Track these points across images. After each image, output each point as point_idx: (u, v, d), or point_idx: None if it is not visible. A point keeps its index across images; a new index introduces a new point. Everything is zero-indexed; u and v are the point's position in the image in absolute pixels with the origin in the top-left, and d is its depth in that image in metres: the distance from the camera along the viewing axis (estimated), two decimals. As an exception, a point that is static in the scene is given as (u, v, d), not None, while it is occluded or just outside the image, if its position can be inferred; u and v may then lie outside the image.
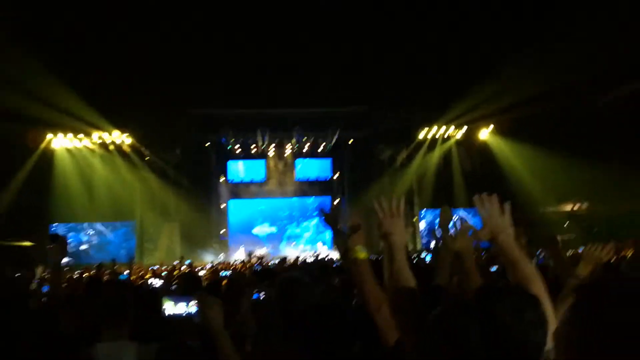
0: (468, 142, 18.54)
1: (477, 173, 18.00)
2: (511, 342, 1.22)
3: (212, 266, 10.77)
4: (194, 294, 1.89)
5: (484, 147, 18.19)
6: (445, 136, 18.40)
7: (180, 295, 3.61)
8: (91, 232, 16.98)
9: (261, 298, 3.96)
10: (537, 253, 6.54)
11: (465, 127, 18.01)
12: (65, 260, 3.00)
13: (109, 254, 15.92)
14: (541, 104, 13.88)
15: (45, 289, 5.89)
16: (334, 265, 7.20)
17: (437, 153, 18.47)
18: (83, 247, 16.69)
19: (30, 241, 14.27)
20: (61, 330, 2.81)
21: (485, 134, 18.16)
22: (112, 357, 2.25)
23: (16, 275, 7.92)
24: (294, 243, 19.75)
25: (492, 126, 17.86)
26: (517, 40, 13.29)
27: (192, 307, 3.25)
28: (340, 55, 15.67)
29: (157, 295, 3.07)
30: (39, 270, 5.70)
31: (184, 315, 3.25)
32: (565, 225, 15.53)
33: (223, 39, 15.08)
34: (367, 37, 15.24)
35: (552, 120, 14.74)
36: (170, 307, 3.29)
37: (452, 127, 18.06)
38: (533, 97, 13.67)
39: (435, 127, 18.01)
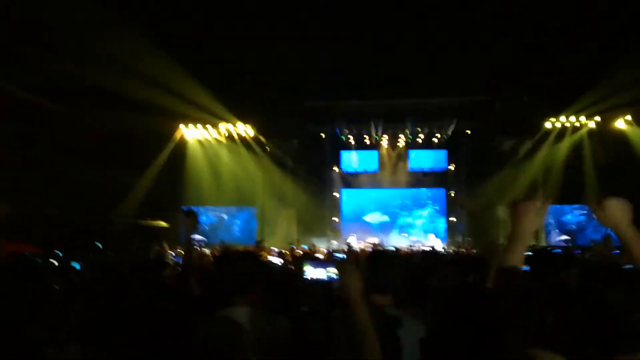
0: (602, 133, 16.87)
1: (611, 166, 16.33)
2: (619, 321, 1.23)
3: (328, 250, 11.09)
4: (333, 262, 1.95)
5: (620, 138, 16.43)
6: (576, 126, 16.90)
7: (319, 262, 3.78)
8: (217, 215, 18.32)
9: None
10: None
11: (598, 117, 16.41)
12: (197, 237, 3.29)
13: (232, 236, 17.20)
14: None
15: (178, 259, 6.49)
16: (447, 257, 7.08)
17: (566, 144, 17.00)
18: (210, 227, 18.02)
19: (164, 222, 15.80)
20: (194, 296, 3.06)
21: (621, 123, 16.40)
22: (241, 322, 2.35)
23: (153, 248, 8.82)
24: (405, 233, 19.54)
25: (629, 116, 16.07)
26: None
27: (330, 273, 3.37)
28: (458, 42, 15.07)
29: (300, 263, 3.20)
30: (166, 247, 6.28)
31: (323, 280, 3.39)
32: None
33: (337, 30, 15.26)
34: (486, 22, 14.48)
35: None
36: (310, 271, 3.44)
37: (583, 116, 16.55)
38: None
39: (563, 117, 16.63)
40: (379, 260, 2.45)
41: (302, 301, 2.89)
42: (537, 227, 1.74)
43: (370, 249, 10.84)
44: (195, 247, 3.47)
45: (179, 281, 3.42)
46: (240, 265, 2.51)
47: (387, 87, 16.90)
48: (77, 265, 5.81)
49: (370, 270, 2.43)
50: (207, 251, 8.75)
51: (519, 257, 1.62)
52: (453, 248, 16.54)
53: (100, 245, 10.79)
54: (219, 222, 18.25)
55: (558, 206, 17.24)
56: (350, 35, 15.42)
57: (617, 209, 1.85)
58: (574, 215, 17.19)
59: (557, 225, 17.09)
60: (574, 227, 16.96)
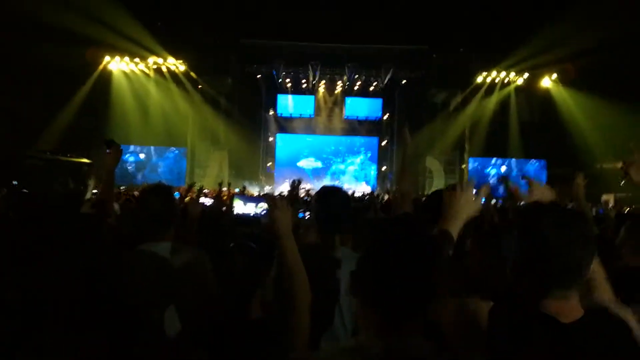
0: (528, 90, 17.63)
1: (535, 122, 17.23)
2: (554, 256, 1.27)
3: (261, 194, 11.01)
4: (264, 198, 1.88)
5: (545, 96, 17.28)
6: (505, 82, 17.52)
7: (249, 197, 3.72)
8: (143, 154, 17.53)
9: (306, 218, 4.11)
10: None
11: (526, 74, 17.08)
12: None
13: (159, 177, 16.58)
14: (609, 53, 12.86)
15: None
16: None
17: (494, 99, 17.65)
18: (136, 167, 17.29)
19: (86, 158, 14.97)
20: (106, 232, 2.90)
21: (547, 82, 17.19)
22: (168, 254, 2.31)
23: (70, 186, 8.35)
24: (337, 180, 19.85)
25: (555, 75, 16.86)
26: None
27: (260, 209, 3.33)
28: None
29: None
30: (91, 182, 5.93)
31: (251, 215, 3.34)
32: (621, 183, 14.80)
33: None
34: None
35: (619, 71, 13.72)
36: (240, 207, 3.38)
37: (513, 73, 17.15)
38: (601, 46, 12.66)
39: (494, 72, 17.16)
40: (330, 196, 2.48)
41: (230, 238, 2.83)
42: (472, 212, 1.82)
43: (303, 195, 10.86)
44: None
45: (96, 215, 3.21)
46: (156, 200, 2.43)
47: (327, 31, 16.54)
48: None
49: (321, 206, 2.44)
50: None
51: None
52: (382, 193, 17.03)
53: (15, 182, 10.10)
54: (145, 162, 17.48)
55: (480, 159, 18.10)
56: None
57: None
58: (495, 166, 18.10)
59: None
60: (494, 179, 17.87)
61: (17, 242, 2.49)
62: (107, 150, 2.96)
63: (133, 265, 2.28)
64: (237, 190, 12.22)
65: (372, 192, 13.51)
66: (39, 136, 14.33)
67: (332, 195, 2.50)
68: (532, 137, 16.91)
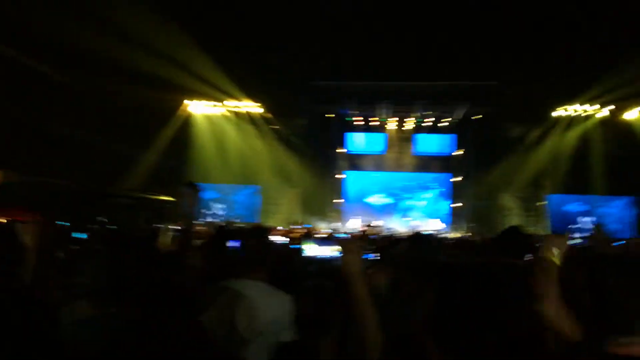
0: (613, 123, 16.67)
1: (620, 157, 16.19)
2: (617, 306, 1.35)
3: (330, 232, 11.13)
4: (335, 240, 1.97)
5: (631, 129, 16.25)
6: (585, 115, 16.72)
7: (322, 240, 3.81)
8: (221, 192, 18.31)
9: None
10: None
11: (610, 106, 16.21)
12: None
13: (234, 213, 17.24)
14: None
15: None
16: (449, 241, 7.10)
17: (575, 133, 16.86)
18: (213, 204, 18.03)
19: (169, 197, 15.83)
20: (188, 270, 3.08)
21: (634, 114, 16.20)
22: (248, 290, 2.36)
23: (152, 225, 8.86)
24: (408, 217, 19.54)
25: (640, 107, 15.88)
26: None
27: (333, 252, 3.40)
28: (471, 27, 14.87)
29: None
30: (167, 225, 6.26)
31: (325, 257, 3.42)
32: None
33: (350, 10, 15.07)
34: (500, 6, 14.25)
35: None
36: (314, 250, 3.47)
37: (595, 105, 16.34)
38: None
39: (574, 105, 16.44)
40: (421, 242, 2.52)
41: (303, 278, 2.92)
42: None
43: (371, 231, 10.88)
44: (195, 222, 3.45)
45: (177, 253, 3.43)
46: (251, 239, 2.57)
47: (397, 69, 16.73)
48: (84, 235, 5.87)
49: (414, 251, 2.47)
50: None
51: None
52: (456, 234, 16.56)
53: (106, 220, 10.88)
54: (222, 199, 18.21)
55: (560, 196, 17.19)
56: (362, 16, 15.25)
57: None
58: (574, 205, 17.10)
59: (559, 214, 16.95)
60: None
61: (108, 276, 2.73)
62: (187, 191, 3.16)
63: (217, 299, 2.40)
64: (308, 226, 12.46)
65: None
66: (126, 176, 15.40)
67: (425, 241, 2.51)
68: (618, 173, 15.86)
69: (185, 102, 17.37)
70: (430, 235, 2.44)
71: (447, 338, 1.17)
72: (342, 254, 1.85)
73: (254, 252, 2.50)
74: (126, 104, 13.74)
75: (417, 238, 2.51)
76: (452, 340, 1.17)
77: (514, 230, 3.20)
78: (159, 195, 15.69)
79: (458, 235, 15.68)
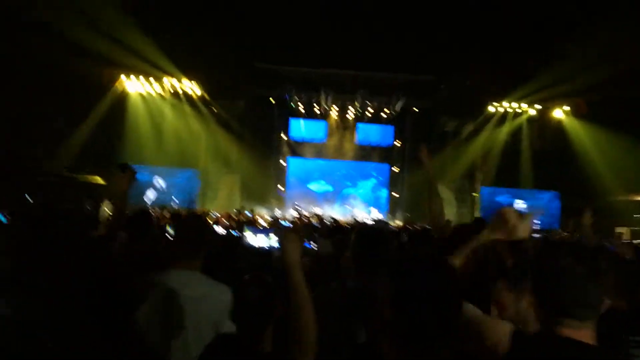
0: (540, 121, 17.66)
1: (547, 153, 17.18)
2: (568, 289, 1.37)
3: (272, 218, 11.04)
4: (274, 229, 1.93)
5: (557, 127, 17.29)
6: (517, 112, 17.58)
7: (260, 229, 3.75)
8: (157, 175, 17.60)
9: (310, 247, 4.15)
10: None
11: (538, 105, 17.14)
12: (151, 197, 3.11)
13: (170, 197, 16.68)
14: (620, 87, 12.89)
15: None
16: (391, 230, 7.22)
17: (506, 129, 17.72)
18: (148, 187, 17.35)
19: (101, 178, 15.11)
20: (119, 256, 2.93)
21: (559, 113, 17.23)
22: (182, 284, 2.30)
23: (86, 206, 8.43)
24: (348, 205, 19.81)
25: (567, 107, 16.90)
26: (600, 15, 12.25)
27: (271, 241, 3.36)
28: (414, 21, 15.14)
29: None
30: (104, 205, 5.98)
31: (262, 247, 3.37)
32: (635, 216, 14.71)
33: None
34: (442, 5, 14.60)
35: (631, 105, 13.73)
36: (250, 238, 3.42)
37: (525, 103, 17.22)
38: (612, 80, 12.71)
39: (505, 103, 17.24)
40: (369, 237, 2.45)
41: (243, 268, 2.86)
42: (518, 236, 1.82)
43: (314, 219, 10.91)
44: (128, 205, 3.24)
45: (106, 238, 3.23)
46: (192, 228, 2.48)
47: (340, 58, 16.78)
48: (2, 218, 5.45)
49: (359, 247, 2.41)
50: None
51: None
52: (398, 222, 16.97)
53: (29, 198, 10.23)
54: (157, 182, 17.52)
55: (491, 188, 18.01)
56: (309, 1, 15.12)
57: None
58: (505, 197, 17.96)
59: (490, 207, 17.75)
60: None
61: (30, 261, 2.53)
62: (121, 173, 2.97)
63: (143, 294, 2.30)
64: (249, 214, 12.28)
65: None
66: (55, 152, 14.50)
67: (374, 236, 2.44)
68: (544, 168, 16.84)
69: (121, 78, 16.47)
70: (380, 228, 2.41)
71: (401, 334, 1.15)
72: (281, 244, 1.84)
73: (187, 240, 2.39)
74: (58, 77, 12.89)
75: (366, 232, 2.46)
76: (404, 338, 1.15)
77: (480, 221, 3.32)
78: (91, 175, 14.94)
79: (399, 224, 16.07)
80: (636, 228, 13.37)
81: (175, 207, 15.21)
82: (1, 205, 5.68)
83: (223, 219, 10.02)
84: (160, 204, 15.00)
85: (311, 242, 4.44)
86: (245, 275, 1.93)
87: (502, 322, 1.60)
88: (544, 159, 16.98)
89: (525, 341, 1.44)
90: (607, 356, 1.43)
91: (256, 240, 3.47)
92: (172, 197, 16.76)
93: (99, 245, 3.00)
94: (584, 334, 1.36)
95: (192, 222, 2.50)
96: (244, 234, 3.38)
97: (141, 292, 2.33)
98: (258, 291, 1.87)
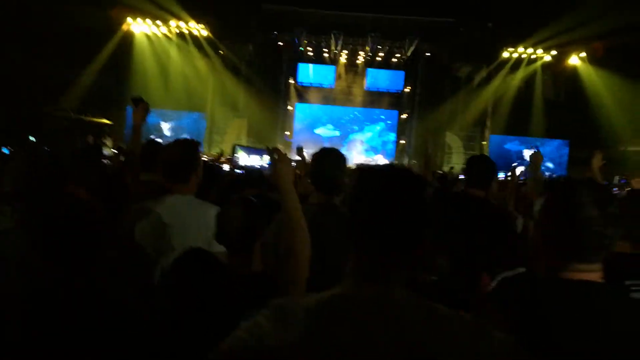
0: (555, 68, 17.14)
1: (560, 101, 16.80)
2: (587, 230, 1.29)
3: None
4: (267, 150, 1.88)
5: (572, 75, 16.80)
6: (531, 58, 17.05)
7: (253, 148, 3.76)
8: (163, 117, 17.53)
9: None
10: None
11: (554, 51, 16.57)
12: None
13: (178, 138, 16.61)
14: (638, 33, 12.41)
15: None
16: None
17: (520, 75, 17.23)
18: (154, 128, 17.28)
19: (107, 119, 15.14)
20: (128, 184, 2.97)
21: (575, 60, 16.68)
22: (177, 209, 2.37)
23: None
24: (355, 149, 19.75)
25: (583, 53, 16.33)
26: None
27: (263, 161, 3.36)
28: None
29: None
30: (108, 141, 6.01)
31: (255, 167, 3.38)
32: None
33: None
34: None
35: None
36: (244, 158, 3.43)
37: (540, 49, 16.66)
38: (630, 25, 12.22)
39: (521, 48, 16.69)
40: (325, 158, 2.51)
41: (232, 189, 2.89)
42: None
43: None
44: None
45: (120, 170, 3.28)
46: (180, 152, 2.51)
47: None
48: (5, 150, 5.51)
49: (315, 168, 2.49)
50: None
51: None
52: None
53: (34, 139, 10.30)
54: (164, 124, 17.44)
55: (501, 136, 17.76)
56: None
57: None
58: (513, 145, 17.73)
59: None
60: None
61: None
62: (135, 107, 2.99)
63: (134, 220, 2.35)
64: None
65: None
66: (60, 95, 14.48)
67: (327, 156, 2.51)
68: (556, 117, 16.51)
69: (128, 20, 16.11)
70: (333, 150, 2.45)
71: (361, 236, 1.11)
72: (272, 164, 1.79)
73: (175, 164, 2.43)
74: (63, 20, 12.67)
75: (320, 155, 2.55)
76: (364, 239, 1.11)
77: (482, 158, 3.28)
78: (97, 117, 14.96)
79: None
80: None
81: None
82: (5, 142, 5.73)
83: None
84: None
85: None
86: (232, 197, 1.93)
87: None
88: (556, 107, 16.62)
89: (537, 287, 1.36)
90: (622, 294, 1.38)
91: (249, 160, 3.48)
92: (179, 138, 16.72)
93: (115, 178, 3.07)
94: (595, 275, 1.31)
95: (176, 148, 2.51)
96: (236, 155, 3.39)
97: (134, 217, 2.38)
98: (242, 212, 1.88)
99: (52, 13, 12.46)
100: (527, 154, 16.85)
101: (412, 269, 1.13)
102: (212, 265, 1.63)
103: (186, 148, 2.53)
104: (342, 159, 2.53)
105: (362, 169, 1.21)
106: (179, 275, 1.60)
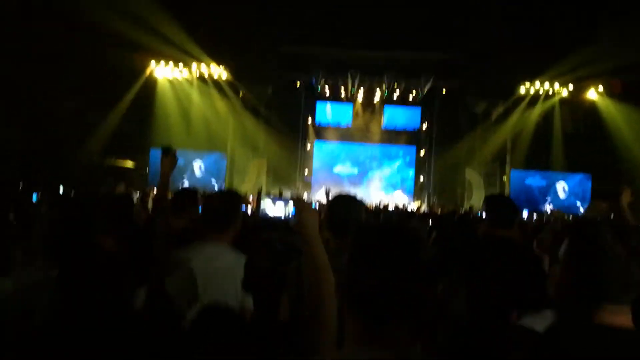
0: (573, 102, 17.09)
1: (580, 135, 16.65)
2: (612, 271, 1.30)
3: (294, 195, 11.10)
4: (291, 198, 1.91)
5: (591, 108, 16.70)
6: (549, 93, 17.05)
7: (278, 197, 3.80)
8: (185, 158, 17.77)
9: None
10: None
11: (571, 85, 16.57)
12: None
13: (199, 181, 16.87)
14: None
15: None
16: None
17: (538, 110, 17.19)
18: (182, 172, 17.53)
19: (131, 162, 15.46)
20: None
21: (593, 94, 16.63)
22: (211, 258, 2.36)
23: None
24: (373, 187, 19.70)
25: (601, 86, 16.29)
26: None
27: (288, 209, 3.40)
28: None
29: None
30: (120, 187, 6.14)
31: (280, 217, 3.41)
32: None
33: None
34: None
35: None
36: (269, 206, 3.47)
37: (557, 84, 16.68)
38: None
39: (537, 83, 16.73)
40: (340, 203, 2.50)
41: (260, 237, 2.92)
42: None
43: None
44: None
45: (151, 218, 3.34)
46: (224, 202, 2.54)
47: (366, 38, 16.60)
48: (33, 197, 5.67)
49: (330, 209, 2.48)
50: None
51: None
52: (419, 205, 16.84)
53: (62, 187, 10.52)
54: (185, 166, 17.71)
55: (522, 171, 17.56)
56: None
57: None
58: (535, 180, 17.50)
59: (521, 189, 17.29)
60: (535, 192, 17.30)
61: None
62: (164, 156, 3.06)
63: (165, 270, 2.38)
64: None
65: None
66: (85, 138, 14.83)
67: (339, 202, 2.52)
68: (576, 150, 16.34)
69: (150, 65, 16.70)
70: (349, 197, 2.43)
71: (358, 302, 1.08)
72: (296, 213, 1.79)
73: (215, 213, 2.45)
74: (88, 65, 13.16)
75: (336, 200, 2.51)
76: (361, 304, 1.08)
77: (503, 198, 3.23)
78: (121, 160, 15.30)
79: (421, 206, 15.95)
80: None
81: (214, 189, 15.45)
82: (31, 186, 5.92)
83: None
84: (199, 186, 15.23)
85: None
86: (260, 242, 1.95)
87: None
88: (576, 140, 16.48)
89: (563, 333, 1.35)
90: None
91: (274, 209, 3.53)
92: (212, 180, 16.97)
93: (147, 226, 3.12)
94: (624, 318, 1.29)
95: (218, 198, 2.55)
96: (263, 202, 3.44)
97: (166, 267, 2.41)
98: (267, 261, 1.90)
99: (80, 55, 12.89)
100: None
101: (418, 332, 1.09)
102: (229, 323, 1.63)
103: (230, 199, 2.57)
104: (355, 203, 2.51)
105: (361, 229, 1.20)
106: (197, 334, 1.61)
